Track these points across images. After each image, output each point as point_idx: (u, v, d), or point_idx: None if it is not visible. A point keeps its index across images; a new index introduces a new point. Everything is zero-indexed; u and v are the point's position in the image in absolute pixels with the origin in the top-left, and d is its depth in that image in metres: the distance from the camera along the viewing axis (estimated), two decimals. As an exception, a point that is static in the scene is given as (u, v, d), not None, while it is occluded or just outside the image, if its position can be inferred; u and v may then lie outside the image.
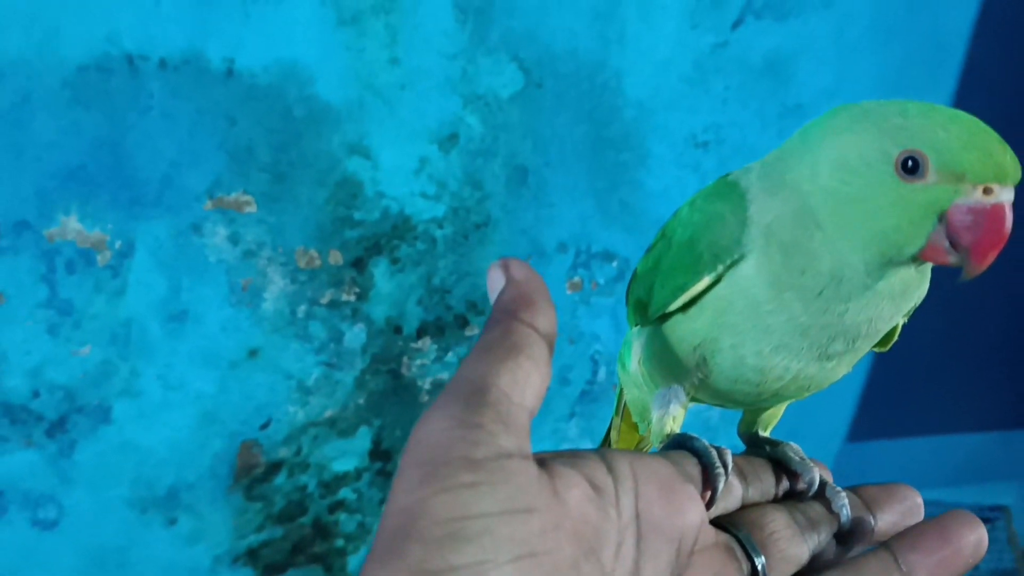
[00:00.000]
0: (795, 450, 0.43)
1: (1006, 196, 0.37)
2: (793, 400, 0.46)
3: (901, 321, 0.44)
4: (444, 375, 1.13)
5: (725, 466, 0.38)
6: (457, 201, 1.07)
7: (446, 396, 0.32)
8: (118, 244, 0.93)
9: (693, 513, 0.36)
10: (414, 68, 1.01)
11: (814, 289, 0.39)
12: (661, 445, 0.44)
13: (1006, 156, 0.37)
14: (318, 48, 0.97)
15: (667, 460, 0.38)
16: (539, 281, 0.37)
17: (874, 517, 0.41)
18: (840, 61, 1.27)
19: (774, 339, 0.41)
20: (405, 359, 1.11)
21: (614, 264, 1.20)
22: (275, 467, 1.08)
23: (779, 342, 0.41)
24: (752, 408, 0.47)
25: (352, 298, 1.06)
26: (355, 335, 1.07)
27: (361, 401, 1.10)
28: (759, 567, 0.38)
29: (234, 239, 0.98)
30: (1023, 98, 1.44)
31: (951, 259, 0.37)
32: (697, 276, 0.41)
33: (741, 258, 0.40)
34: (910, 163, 0.36)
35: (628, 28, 1.11)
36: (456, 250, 1.08)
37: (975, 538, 0.37)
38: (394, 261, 1.06)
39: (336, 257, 1.03)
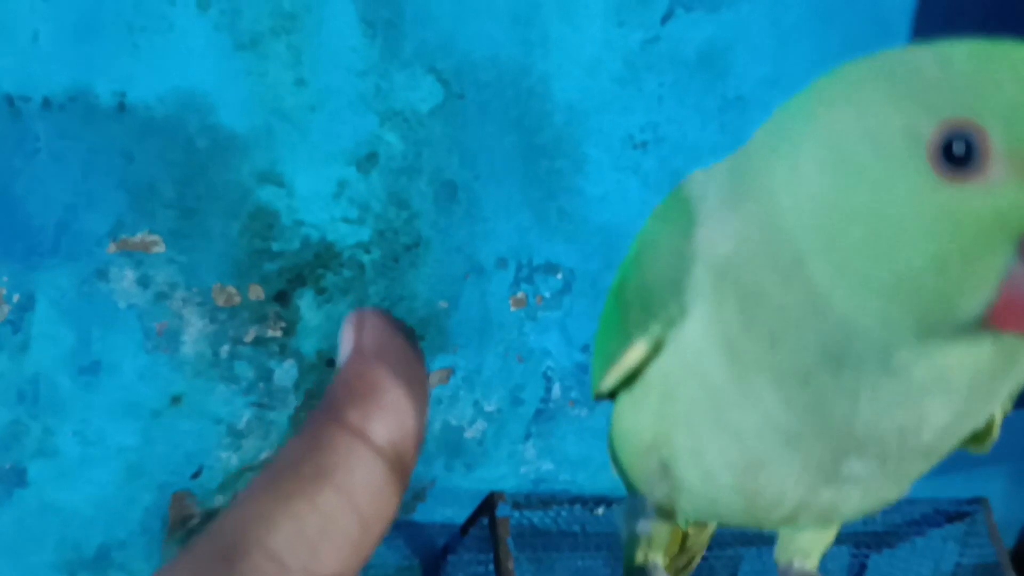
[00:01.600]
0: None
1: None
2: (832, 526, 0.32)
3: (998, 414, 0.28)
4: (385, 406, 1.08)
5: None
6: (383, 223, 1.02)
7: (180, 562, 0.19)
8: (16, 297, 0.87)
9: None
10: (323, 88, 0.96)
11: (796, 372, 0.24)
12: None
13: None
14: (216, 75, 0.92)
15: None
16: (401, 350, 0.23)
17: None
18: (778, 49, 1.22)
19: (748, 448, 0.26)
20: (342, 393, 1.06)
21: (559, 276, 1.15)
22: (212, 516, 1.03)
23: (756, 453, 0.26)
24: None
25: (278, 333, 1.00)
26: (285, 372, 1.02)
27: (299, 440, 1.05)
28: None
29: (144, 282, 0.93)
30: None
31: None
32: (627, 340, 0.28)
33: (683, 314, 0.27)
34: (957, 148, 0.21)
35: (550, 30, 1.06)
36: (387, 275, 1.03)
37: None
38: (320, 291, 1.01)
39: (257, 292, 0.98)
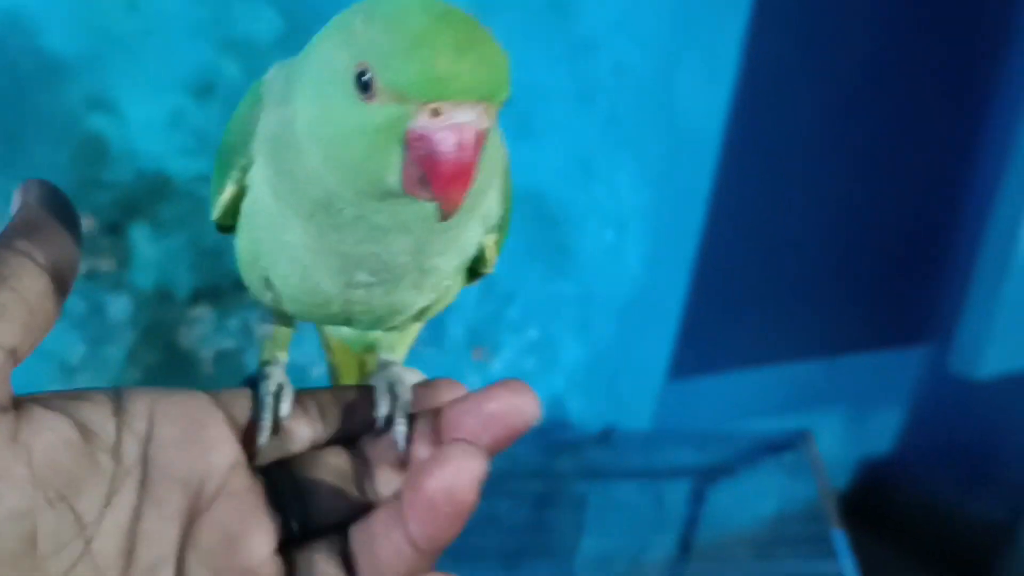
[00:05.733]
0: (393, 375, 0.40)
1: (463, 116, 0.32)
2: (394, 324, 0.42)
3: (485, 241, 0.40)
4: (228, 344, 1.07)
5: (278, 416, 0.38)
6: (221, 156, 1.00)
7: None
8: None
9: (220, 455, 0.35)
10: (157, 13, 0.94)
11: (305, 212, 0.36)
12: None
13: (458, 67, 0.32)
14: (40, -6, 0.88)
15: (209, 399, 0.36)
16: (59, 203, 0.36)
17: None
18: (627, -8, 1.24)
19: (297, 259, 0.38)
20: (182, 329, 1.04)
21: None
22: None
23: (301, 263, 0.38)
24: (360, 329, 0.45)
25: (112, 267, 0.98)
26: (120, 306, 0.99)
27: (137, 376, 1.03)
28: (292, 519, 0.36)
29: (-37, 210, 0.89)
30: (825, 19, 1.45)
31: (424, 194, 0.33)
32: (223, 183, 0.39)
33: (250, 164, 0.38)
34: (363, 78, 0.33)
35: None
36: (225, 208, 1.02)
37: (441, 483, 0.32)
38: (156, 224, 0.99)
39: (88, 223, 0.95)
